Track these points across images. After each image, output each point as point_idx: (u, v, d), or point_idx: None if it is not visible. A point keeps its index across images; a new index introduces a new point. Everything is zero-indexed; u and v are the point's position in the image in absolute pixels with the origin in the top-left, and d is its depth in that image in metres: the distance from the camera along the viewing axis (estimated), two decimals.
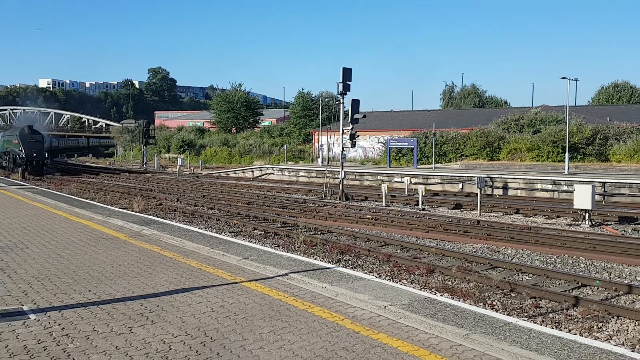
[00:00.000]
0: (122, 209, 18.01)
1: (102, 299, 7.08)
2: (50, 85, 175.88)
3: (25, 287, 7.72)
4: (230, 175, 44.05)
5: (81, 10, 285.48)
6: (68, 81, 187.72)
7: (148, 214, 16.78)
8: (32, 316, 6.37)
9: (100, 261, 9.43)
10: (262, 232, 15.24)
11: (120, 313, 6.49)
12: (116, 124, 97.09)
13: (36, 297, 7.20)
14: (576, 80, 33.35)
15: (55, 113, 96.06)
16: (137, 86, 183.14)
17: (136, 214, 16.44)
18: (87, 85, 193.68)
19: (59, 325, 6.06)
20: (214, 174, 44.62)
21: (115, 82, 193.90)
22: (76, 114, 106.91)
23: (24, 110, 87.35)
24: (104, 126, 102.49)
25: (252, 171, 42.98)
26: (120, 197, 23.96)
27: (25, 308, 6.69)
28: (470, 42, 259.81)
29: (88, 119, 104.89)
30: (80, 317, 6.33)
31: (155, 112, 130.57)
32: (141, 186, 32.22)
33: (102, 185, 32.00)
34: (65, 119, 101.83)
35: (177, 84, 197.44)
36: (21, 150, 40.01)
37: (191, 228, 13.61)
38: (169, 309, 6.66)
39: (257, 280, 8.10)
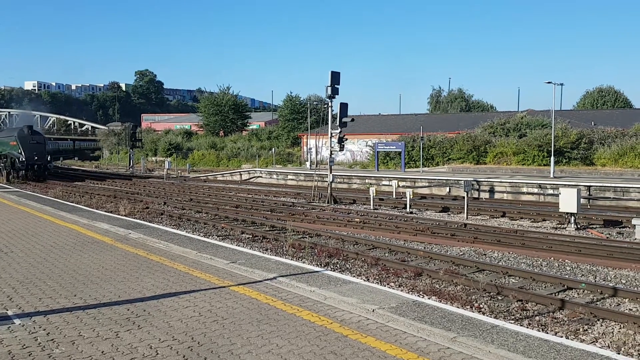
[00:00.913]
0: (108, 212, 17.87)
1: (88, 304, 7.01)
2: (36, 88, 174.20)
3: (10, 291, 7.62)
4: (218, 178, 43.87)
5: (67, 12, 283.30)
6: (54, 83, 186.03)
7: (134, 218, 16.68)
8: (17, 321, 6.29)
9: (86, 265, 9.34)
10: (250, 236, 15.19)
11: (106, 318, 6.43)
12: (102, 127, 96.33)
13: (21, 301, 7.11)
14: (561, 85, 33.68)
15: (40, 115, 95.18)
16: (123, 89, 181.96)
17: (122, 217, 16.32)
18: (73, 87, 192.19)
19: (44, 330, 5.99)
20: (201, 177, 44.42)
21: (102, 85, 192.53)
22: (62, 117, 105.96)
23: (22, 112, 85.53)
24: (90, 129, 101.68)
25: (240, 174, 42.85)
26: (106, 200, 23.76)
27: (9, 313, 6.61)
28: (457, 47, 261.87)
29: (74, 122, 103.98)
30: (66, 322, 6.26)
31: (142, 114, 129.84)
32: (127, 189, 31.97)
33: (88, 188, 31.71)
34: (50, 122, 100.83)
35: (165, 86, 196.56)
36: (20, 153, 36.21)
37: (178, 232, 13.54)
38: (155, 313, 6.62)
39: (245, 284, 8.07)
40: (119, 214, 17.36)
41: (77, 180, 40.00)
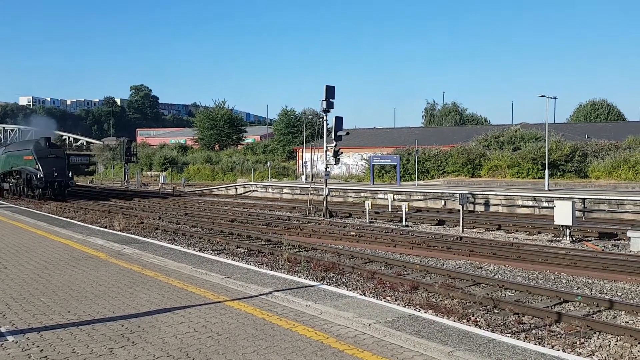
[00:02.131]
0: (103, 227, 17.78)
1: (82, 320, 6.94)
2: (31, 103, 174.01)
3: (3, 308, 7.55)
4: (213, 192, 43.81)
5: (62, 27, 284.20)
6: (49, 99, 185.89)
7: (129, 233, 16.59)
8: (10, 338, 6.22)
9: (80, 281, 9.27)
10: (246, 250, 15.13)
11: (100, 334, 6.37)
12: (97, 142, 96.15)
13: (14, 318, 7.04)
14: (555, 98, 33.90)
15: (35, 131, 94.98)
16: (118, 103, 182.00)
17: (117, 232, 16.24)
18: (68, 102, 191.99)
19: (38, 347, 5.93)
20: (196, 192, 44.33)
21: (97, 100, 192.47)
22: (56, 132, 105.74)
23: (38, 120, 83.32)
24: (84, 144, 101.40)
25: (236, 188, 42.81)
26: (101, 215, 23.66)
27: (2, 330, 6.53)
28: (451, 61, 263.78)
29: (69, 137, 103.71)
30: (60, 339, 6.19)
31: (137, 129, 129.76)
32: (122, 204, 31.85)
33: (82, 203, 31.56)
34: (9, 143, 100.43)
35: (160, 101, 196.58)
36: (38, 169, 31.45)
37: (173, 246, 13.47)
38: (150, 329, 6.56)
39: (240, 299, 8.03)
40: (113, 229, 17.28)
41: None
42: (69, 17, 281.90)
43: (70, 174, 33.60)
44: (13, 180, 35.26)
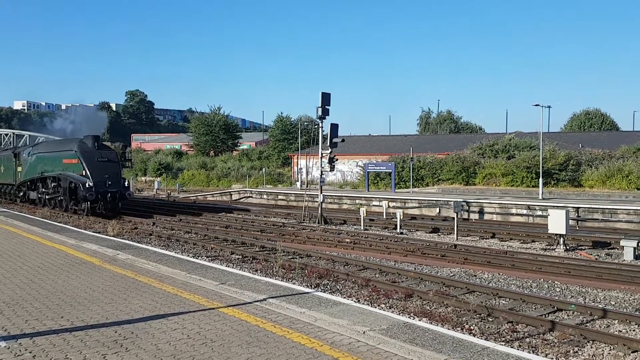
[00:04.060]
0: (97, 233, 17.71)
1: (75, 326, 6.91)
2: (25, 107, 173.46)
3: None
4: (208, 198, 43.72)
5: (58, 32, 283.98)
6: (43, 103, 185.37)
7: (123, 238, 16.52)
8: (2, 343, 6.18)
9: (74, 286, 9.22)
10: (240, 257, 15.10)
11: (93, 340, 6.34)
12: None
13: (7, 323, 6.99)
14: (549, 107, 34.05)
15: (29, 135, 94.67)
16: (113, 108, 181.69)
17: (111, 238, 16.17)
18: (63, 107, 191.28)
19: (30, 352, 5.89)
20: (191, 198, 44.22)
21: (92, 105, 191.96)
22: (51, 137, 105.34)
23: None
24: None
25: (230, 194, 42.75)
26: (95, 220, 23.54)
27: None
28: (446, 69, 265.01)
29: None
30: (53, 344, 6.16)
31: (132, 134, 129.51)
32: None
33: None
34: (40, 141, 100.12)
35: (155, 106, 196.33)
36: (86, 176, 24.71)
37: (167, 252, 13.43)
38: (143, 335, 6.53)
39: (234, 305, 8.01)
40: (107, 235, 17.21)
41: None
42: (64, 22, 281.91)
43: (126, 183, 26.81)
44: (45, 190, 28.13)
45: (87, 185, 24.23)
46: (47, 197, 27.81)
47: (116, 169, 26.28)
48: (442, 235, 20.79)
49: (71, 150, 26.26)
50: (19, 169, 31.57)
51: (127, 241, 15.59)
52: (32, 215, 24.47)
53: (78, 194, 24.62)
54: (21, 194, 32.05)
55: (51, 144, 30.56)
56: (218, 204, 38.21)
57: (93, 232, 17.90)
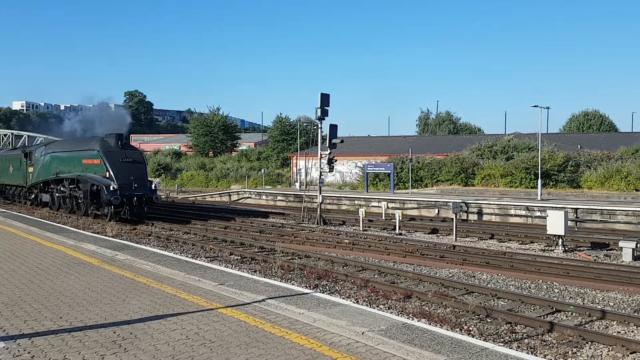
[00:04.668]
0: (95, 233, 17.68)
1: (74, 326, 6.90)
2: (24, 108, 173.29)
3: None
4: (206, 199, 43.70)
5: (57, 33, 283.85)
6: (42, 103, 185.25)
7: (122, 239, 16.50)
8: (1, 344, 6.17)
9: (72, 287, 9.21)
10: (239, 257, 15.10)
11: (92, 340, 6.34)
12: None
13: (5, 324, 6.99)
14: (548, 108, 34.08)
15: (28, 136, 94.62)
16: (113, 109, 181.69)
17: (109, 238, 16.16)
18: (62, 107, 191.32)
19: (29, 353, 5.88)
20: (190, 198, 44.20)
21: (91, 105, 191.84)
22: (50, 137, 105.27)
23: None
24: None
25: (229, 195, 42.73)
26: (93, 221, 23.52)
27: None
28: (445, 70, 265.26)
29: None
30: (51, 345, 6.15)
31: (131, 135, 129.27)
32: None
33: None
34: (38, 142, 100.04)
35: (154, 107, 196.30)
36: (110, 178, 22.46)
37: (166, 253, 13.42)
38: (142, 336, 6.53)
39: (233, 306, 8.00)
40: (106, 235, 17.19)
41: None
42: (63, 22, 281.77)
43: (153, 186, 24.49)
44: (60, 192, 25.91)
45: (111, 188, 21.95)
46: (62, 200, 25.89)
47: (142, 170, 24.21)
48: (441, 236, 20.80)
49: (92, 149, 23.89)
50: (30, 169, 29.58)
51: (125, 242, 15.58)
52: (30, 215, 24.45)
53: (101, 197, 22.33)
54: (32, 196, 30.17)
55: (68, 143, 28.00)
56: (217, 204, 38.21)
57: (92, 232, 17.88)
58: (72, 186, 24.84)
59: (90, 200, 22.88)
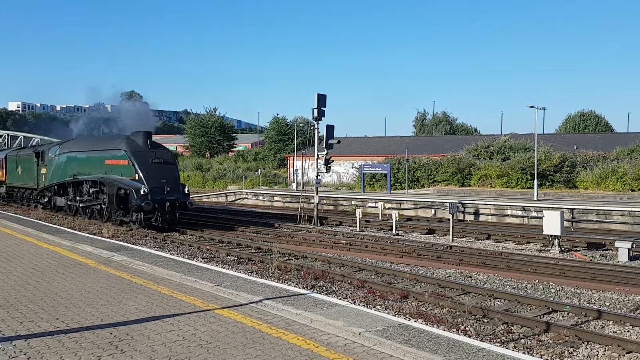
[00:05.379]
0: (92, 234, 17.63)
1: (70, 327, 6.88)
2: (20, 109, 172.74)
3: None
4: (203, 199, 43.65)
5: (53, 34, 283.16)
6: (38, 104, 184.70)
7: (118, 240, 16.46)
8: None
9: (69, 288, 9.19)
10: (236, 258, 15.08)
11: (88, 342, 6.32)
12: None
13: (1, 325, 6.96)
14: (544, 109, 34.25)
15: (24, 136, 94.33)
16: (109, 110, 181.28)
17: (106, 239, 16.12)
18: (58, 108, 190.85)
19: (25, 354, 5.86)
20: None
21: (87, 106, 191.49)
22: (46, 137, 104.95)
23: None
24: None
25: (226, 196, 42.70)
26: (89, 222, 23.45)
27: None
28: (441, 70, 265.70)
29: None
30: (48, 346, 6.14)
31: None
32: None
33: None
34: (34, 143, 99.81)
35: (151, 108, 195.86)
36: (140, 181, 20.15)
37: (162, 254, 13.39)
38: (139, 337, 6.52)
39: (230, 307, 8.00)
40: (102, 236, 17.14)
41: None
42: (59, 22, 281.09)
43: (186, 189, 22.00)
44: (79, 196, 23.68)
45: (142, 192, 19.58)
46: (81, 204, 23.38)
47: (174, 172, 21.80)
48: (437, 237, 20.83)
49: (119, 149, 21.49)
50: (43, 170, 27.46)
51: (122, 243, 15.55)
52: (26, 216, 24.37)
53: (130, 202, 19.88)
54: (45, 199, 27.74)
55: (87, 142, 25.79)
56: (214, 205, 38.16)
57: (88, 233, 17.83)
58: (94, 189, 22.42)
59: (116, 205, 20.46)
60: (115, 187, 20.45)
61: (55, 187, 26.10)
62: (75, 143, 26.38)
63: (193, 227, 21.95)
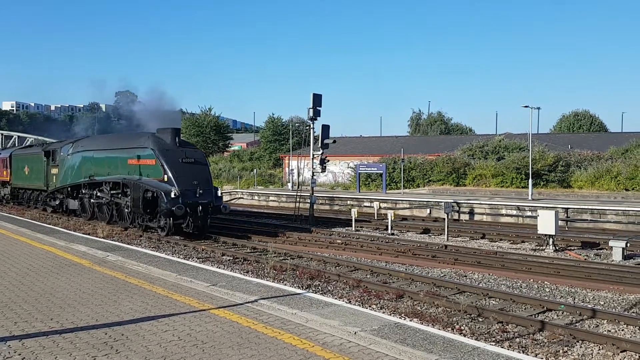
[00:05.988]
0: (86, 234, 17.56)
1: (65, 328, 6.86)
2: (14, 108, 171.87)
3: None
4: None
5: (46, 32, 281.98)
6: (32, 104, 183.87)
7: (113, 240, 16.40)
8: None
9: (63, 288, 9.15)
10: (231, 258, 15.06)
11: (83, 342, 6.30)
12: None
13: None
14: (538, 108, 34.35)
15: (18, 136, 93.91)
16: (103, 109, 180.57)
17: (100, 239, 16.07)
18: (52, 108, 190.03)
19: (20, 355, 5.84)
20: None
21: (81, 105, 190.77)
22: (40, 138, 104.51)
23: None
24: None
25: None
26: (84, 222, 23.37)
27: None
28: (436, 70, 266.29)
29: (52, 142, 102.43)
30: (42, 347, 6.11)
31: None
32: None
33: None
34: (29, 143, 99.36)
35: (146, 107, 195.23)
36: (169, 182, 17.97)
37: (158, 254, 13.37)
38: (134, 337, 6.50)
39: (225, 307, 7.99)
40: (97, 236, 17.08)
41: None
42: (54, 21, 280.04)
43: (219, 192, 19.95)
44: (95, 200, 21.87)
45: (172, 196, 17.46)
46: (98, 208, 21.92)
47: (206, 173, 19.42)
48: (432, 236, 20.87)
49: (145, 147, 19.26)
50: (54, 171, 25.52)
51: (117, 243, 15.50)
52: (20, 216, 24.26)
53: (159, 206, 17.89)
54: (56, 202, 25.83)
55: (106, 140, 23.41)
56: None
57: (83, 233, 17.76)
58: (115, 192, 20.57)
59: (142, 209, 18.45)
60: (142, 189, 18.38)
61: (68, 189, 24.22)
62: (91, 141, 24.29)
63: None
